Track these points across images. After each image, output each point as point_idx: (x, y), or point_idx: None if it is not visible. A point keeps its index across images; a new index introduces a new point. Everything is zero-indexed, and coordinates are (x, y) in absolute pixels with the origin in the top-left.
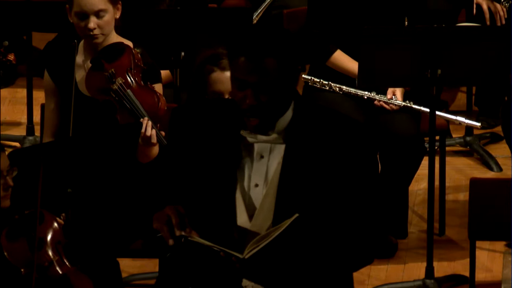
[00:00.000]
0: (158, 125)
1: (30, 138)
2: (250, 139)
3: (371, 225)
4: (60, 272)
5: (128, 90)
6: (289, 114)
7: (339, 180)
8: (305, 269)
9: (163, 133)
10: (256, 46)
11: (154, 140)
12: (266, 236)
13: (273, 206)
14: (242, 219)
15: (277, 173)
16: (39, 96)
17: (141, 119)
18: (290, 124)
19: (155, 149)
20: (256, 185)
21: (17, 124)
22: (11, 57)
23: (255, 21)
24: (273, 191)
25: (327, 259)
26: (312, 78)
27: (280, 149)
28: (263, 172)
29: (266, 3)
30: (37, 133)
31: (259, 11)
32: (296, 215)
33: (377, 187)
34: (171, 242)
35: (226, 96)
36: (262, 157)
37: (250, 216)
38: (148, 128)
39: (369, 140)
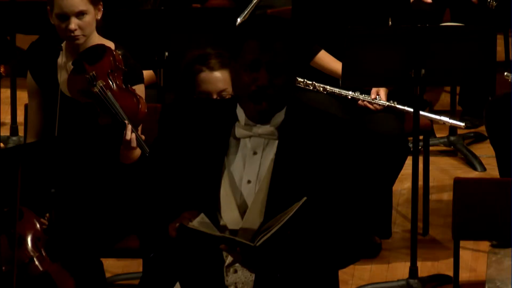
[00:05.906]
0: (140, 128)
1: (14, 138)
2: (244, 132)
3: (358, 223)
4: (41, 269)
5: (109, 93)
6: (283, 112)
7: (328, 178)
8: (294, 264)
9: (143, 136)
10: (267, 30)
11: (134, 144)
12: (275, 222)
13: (265, 202)
14: (233, 216)
15: (270, 170)
16: (23, 97)
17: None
18: (283, 122)
19: (137, 152)
20: (249, 182)
21: (1, 124)
22: (1, 69)
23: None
24: (265, 188)
25: (314, 256)
26: (296, 78)
27: (273, 146)
28: (255, 168)
29: (252, 3)
30: (21, 133)
31: (246, 12)
32: (304, 198)
33: (365, 185)
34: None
35: (214, 96)
36: (255, 153)
37: (242, 213)
38: (127, 132)
39: (360, 140)
